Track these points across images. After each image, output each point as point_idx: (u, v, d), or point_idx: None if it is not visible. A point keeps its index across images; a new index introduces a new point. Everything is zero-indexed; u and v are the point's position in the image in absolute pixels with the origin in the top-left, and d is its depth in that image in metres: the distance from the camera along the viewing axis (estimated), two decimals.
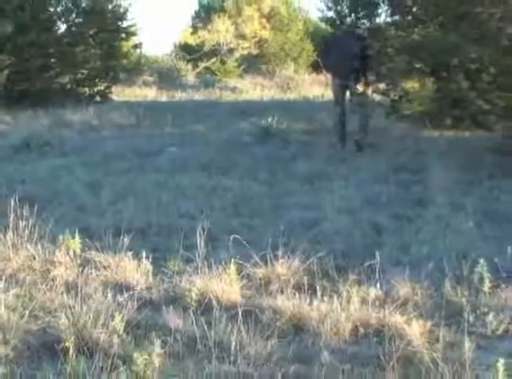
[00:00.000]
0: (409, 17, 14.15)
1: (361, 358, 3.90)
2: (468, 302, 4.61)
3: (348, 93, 11.91)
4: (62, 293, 4.83)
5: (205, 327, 4.14)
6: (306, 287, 4.83)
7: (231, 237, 5.45)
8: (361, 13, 18.03)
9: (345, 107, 11.96)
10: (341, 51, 11.71)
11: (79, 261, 5.43)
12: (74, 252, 5.51)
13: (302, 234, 6.30)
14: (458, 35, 10.48)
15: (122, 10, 20.96)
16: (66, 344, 3.71)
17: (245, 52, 30.44)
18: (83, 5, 20.27)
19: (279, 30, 32.24)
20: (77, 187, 8.52)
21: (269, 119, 13.23)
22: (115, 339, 3.90)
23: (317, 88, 23.77)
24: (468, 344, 3.72)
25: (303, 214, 7.14)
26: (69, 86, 19.79)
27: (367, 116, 11.92)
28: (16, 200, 5.80)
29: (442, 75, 12.31)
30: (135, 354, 3.59)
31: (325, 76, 12.83)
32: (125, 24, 21.09)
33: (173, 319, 4.34)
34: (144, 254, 5.46)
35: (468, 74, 11.01)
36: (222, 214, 7.10)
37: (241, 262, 5.20)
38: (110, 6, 20.71)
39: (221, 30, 29.98)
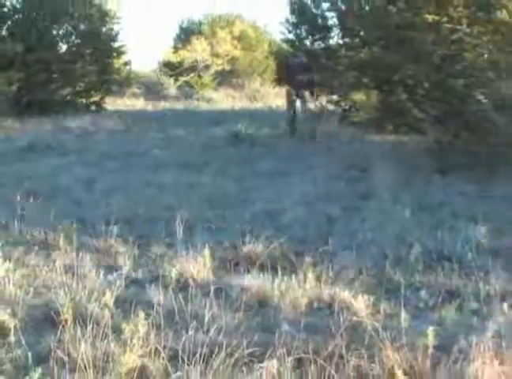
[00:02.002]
0: (357, 40, 14.22)
1: (315, 328, 3.91)
2: (405, 279, 4.65)
3: (298, 102, 13.86)
4: (61, 273, 4.81)
5: (183, 302, 4.14)
6: (269, 268, 4.84)
7: (206, 225, 5.44)
8: (317, 36, 18.01)
9: (295, 111, 13.91)
10: (294, 70, 13.94)
11: (76, 246, 5.40)
12: (72, 238, 5.49)
13: (265, 223, 6.30)
14: (398, 55, 10.50)
15: (114, 33, 20.96)
16: (65, 316, 3.68)
17: (219, 68, 30.28)
18: (81, 28, 20.17)
19: (248, 50, 32.11)
20: (74, 183, 8.47)
21: (239, 125, 13.24)
22: (106, 312, 3.88)
23: (279, 99, 23.65)
24: (404, 315, 3.74)
25: (266, 206, 7.14)
26: (68, 97, 19.62)
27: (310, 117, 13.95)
28: (22, 194, 5.74)
29: (384, 88, 12.31)
30: (123, 325, 3.57)
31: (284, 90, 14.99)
32: (116, 44, 21.05)
33: (155, 295, 4.33)
34: (131, 240, 5.45)
35: (406, 88, 11.02)
36: (198, 206, 7.08)
37: (214, 247, 5.21)
38: (104, 29, 20.67)
39: (198, 49, 29.80)
